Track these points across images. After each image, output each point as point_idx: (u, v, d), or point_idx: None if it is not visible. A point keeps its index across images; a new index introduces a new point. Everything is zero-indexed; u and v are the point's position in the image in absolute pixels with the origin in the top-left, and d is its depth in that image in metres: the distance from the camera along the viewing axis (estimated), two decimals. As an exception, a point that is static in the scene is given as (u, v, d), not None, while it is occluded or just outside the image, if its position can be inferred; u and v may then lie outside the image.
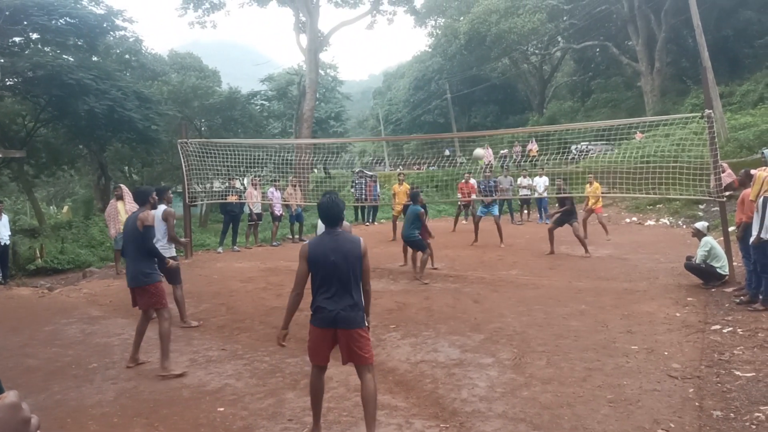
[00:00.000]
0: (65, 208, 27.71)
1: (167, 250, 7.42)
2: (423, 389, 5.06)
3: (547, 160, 20.31)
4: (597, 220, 14.38)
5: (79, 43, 17.30)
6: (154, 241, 7.52)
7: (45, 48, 17.04)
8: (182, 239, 8.37)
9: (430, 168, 27.83)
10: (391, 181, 26.49)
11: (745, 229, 7.52)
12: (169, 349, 5.69)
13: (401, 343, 6.38)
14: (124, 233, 6.24)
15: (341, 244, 4.02)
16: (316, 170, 30.70)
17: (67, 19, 16.04)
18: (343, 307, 3.96)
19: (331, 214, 4.10)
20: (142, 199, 6.08)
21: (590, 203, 14.14)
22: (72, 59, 17.43)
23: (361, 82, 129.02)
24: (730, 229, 9.28)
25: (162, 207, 7.53)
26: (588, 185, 14.18)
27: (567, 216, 12.37)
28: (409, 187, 15.87)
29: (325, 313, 3.98)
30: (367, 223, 19.44)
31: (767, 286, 7.08)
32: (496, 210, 14.40)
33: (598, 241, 13.63)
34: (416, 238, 10.03)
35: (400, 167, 27.10)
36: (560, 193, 12.75)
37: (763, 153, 8.70)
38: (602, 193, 14.02)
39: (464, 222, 18.69)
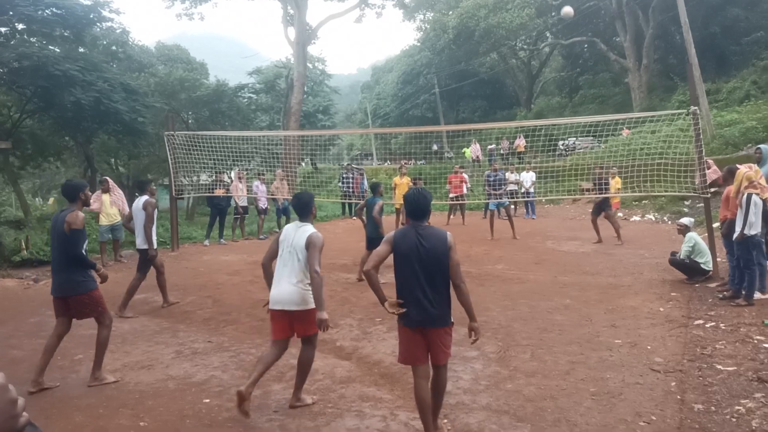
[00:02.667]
0: (51, 199, 27.49)
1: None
2: (408, 381, 5.06)
3: (535, 155, 20.43)
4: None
5: (66, 34, 17.08)
6: (139, 233, 7.71)
7: (31, 39, 16.80)
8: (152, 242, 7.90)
9: (419, 163, 27.88)
10: (379, 175, 26.53)
11: (730, 225, 7.61)
12: (103, 358, 5.29)
13: (387, 336, 6.41)
14: (51, 236, 5.38)
15: (426, 238, 3.87)
16: (303, 164, 30.68)
17: (54, 9, 15.82)
18: (431, 305, 3.82)
19: (414, 207, 3.99)
20: (71, 195, 5.23)
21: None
22: (58, 50, 17.22)
23: (350, 75, 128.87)
24: (715, 225, 9.38)
25: (144, 197, 7.68)
26: (611, 178, 13.96)
27: (603, 204, 12.74)
28: (410, 180, 15.70)
29: (413, 313, 3.84)
30: (354, 217, 19.44)
31: (750, 282, 7.17)
32: (506, 201, 14.50)
33: (584, 237, 13.72)
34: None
35: (389, 162, 27.07)
36: (598, 183, 12.68)
37: (759, 149, 8.76)
38: (588, 190, 14.08)
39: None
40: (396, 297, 3.93)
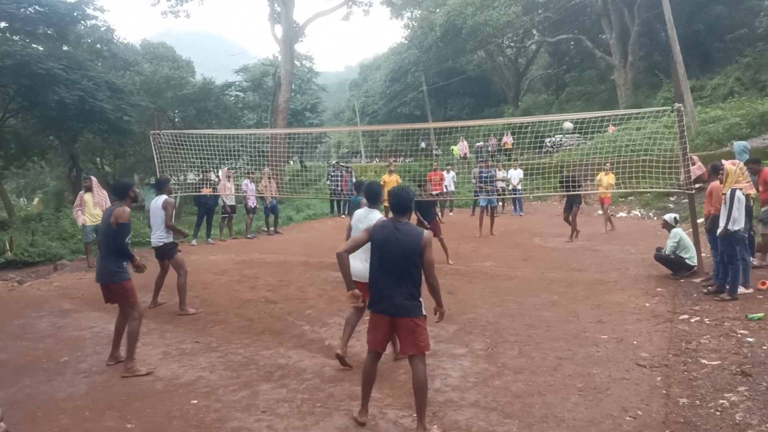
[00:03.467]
0: (36, 200, 27.21)
1: (166, 237, 7.76)
2: (396, 380, 5.10)
3: (522, 152, 20.50)
4: (602, 210, 14.39)
5: (49, 32, 16.94)
6: (155, 230, 7.81)
7: (14, 37, 16.63)
8: (182, 230, 8.39)
9: (407, 160, 27.86)
10: (367, 173, 26.52)
11: (714, 221, 7.69)
12: (135, 349, 5.52)
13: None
14: (99, 229, 5.88)
15: (402, 234, 4.06)
16: (291, 162, 30.60)
17: (37, 7, 15.68)
18: (401, 296, 4.02)
19: (397, 201, 4.21)
20: (121, 193, 5.76)
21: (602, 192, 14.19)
22: (42, 48, 17.05)
23: (338, 73, 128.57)
24: (699, 220, 9.47)
25: (163, 197, 7.78)
26: (603, 174, 14.08)
27: (573, 201, 12.92)
28: (398, 177, 15.77)
29: (383, 301, 4.07)
30: (343, 215, 19.43)
31: (734, 277, 7.25)
32: (495, 201, 14.56)
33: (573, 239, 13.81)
34: None
35: (377, 159, 27.04)
36: (572, 182, 12.78)
37: (745, 147, 8.88)
38: (575, 186, 14.14)
39: (450, 214, 18.84)
40: (370, 287, 4.20)
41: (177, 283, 7.75)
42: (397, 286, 4.03)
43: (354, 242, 4.28)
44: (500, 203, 20.03)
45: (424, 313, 4.13)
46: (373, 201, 5.59)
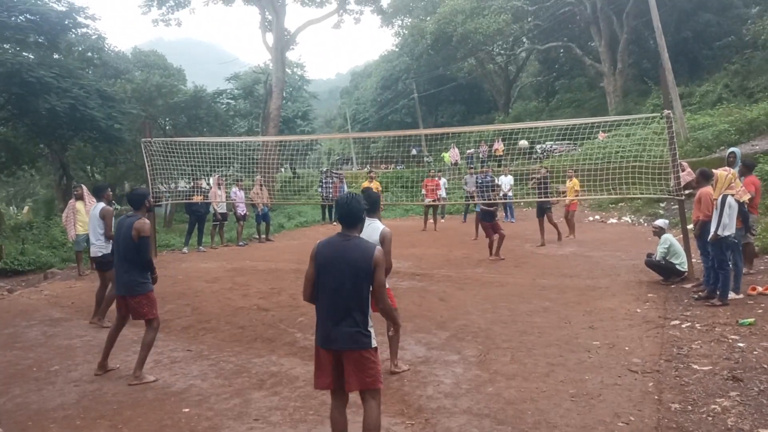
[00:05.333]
0: (26, 208, 26.99)
1: (105, 248, 7.55)
2: (389, 387, 5.09)
3: (513, 159, 20.60)
4: (565, 216, 14.52)
5: (40, 40, 16.87)
6: (94, 239, 7.68)
7: (4, 45, 16.55)
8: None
9: (398, 167, 27.94)
10: (358, 181, 26.51)
11: (703, 226, 7.74)
12: (146, 359, 5.52)
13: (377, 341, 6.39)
14: (115, 239, 5.75)
15: (350, 250, 3.54)
16: (283, 170, 30.58)
17: (27, 15, 15.63)
18: (345, 325, 3.50)
19: (345, 212, 3.64)
20: (137, 204, 5.68)
21: (568, 199, 14.29)
22: (32, 57, 16.99)
23: (329, 81, 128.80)
24: (689, 226, 9.54)
25: (101, 204, 7.57)
26: (568, 180, 14.26)
27: (543, 206, 13.14)
28: (379, 184, 15.87)
29: (325, 331, 3.56)
30: (334, 223, 19.41)
31: (724, 282, 7.30)
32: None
33: (562, 239, 13.88)
34: None
35: (368, 166, 27.07)
36: (542, 183, 12.89)
37: (733, 152, 8.98)
38: (562, 192, 14.22)
39: (442, 220, 18.85)
40: (315, 314, 3.67)
41: (107, 294, 7.41)
42: (341, 313, 3.49)
43: (306, 280, 3.68)
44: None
45: (374, 344, 3.59)
46: (373, 209, 5.15)
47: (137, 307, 5.53)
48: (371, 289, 3.56)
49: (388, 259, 4.98)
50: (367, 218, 5.15)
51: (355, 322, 3.50)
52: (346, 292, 3.50)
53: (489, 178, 14.92)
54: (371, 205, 5.09)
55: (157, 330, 5.66)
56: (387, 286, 3.97)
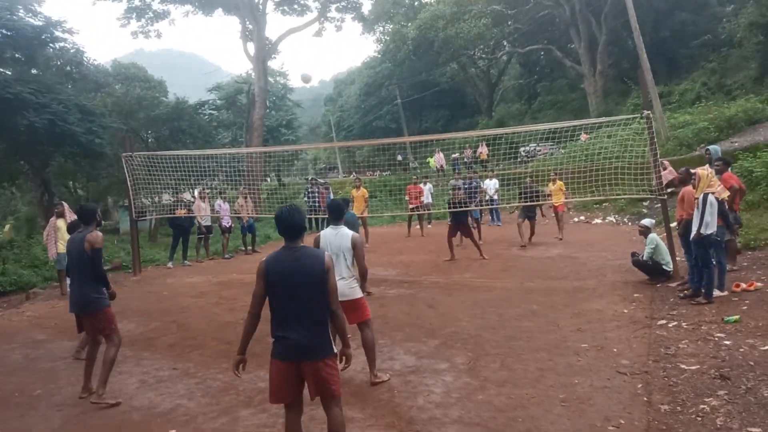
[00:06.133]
0: (7, 226, 26.56)
1: None
2: (379, 399, 5.05)
3: (497, 162, 20.66)
4: (555, 217, 14.67)
5: (17, 55, 16.72)
6: None
7: (-20, 62, 16.40)
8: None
9: (384, 174, 27.95)
10: (345, 188, 26.47)
11: (686, 225, 7.79)
12: (109, 377, 5.37)
13: (356, 353, 6.28)
14: (68, 255, 5.76)
15: (302, 261, 3.58)
16: (269, 179, 30.45)
17: (3, 31, 15.47)
18: (307, 335, 3.51)
19: (289, 225, 3.64)
20: (88, 218, 5.63)
21: (553, 200, 14.41)
22: (9, 73, 16.80)
23: (312, 89, 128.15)
24: (672, 225, 9.60)
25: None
26: (551, 183, 14.49)
27: (530, 210, 13.46)
28: (366, 192, 15.87)
29: (287, 343, 3.53)
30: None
31: (708, 280, 7.34)
32: (477, 213, 14.66)
33: (549, 241, 13.94)
34: None
35: (354, 173, 27.03)
36: (528, 191, 13.02)
37: (708, 150, 9.07)
38: (548, 195, 14.33)
39: (429, 226, 18.87)
40: (271, 330, 3.61)
41: None
42: (297, 324, 3.51)
43: (255, 299, 3.67)
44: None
45: (334, 350, 3.65)
46: (338, 217, 5.41)
47: (94, 324, 5.48)
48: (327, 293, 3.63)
49: (363, 264, 5.45)
50: (333, 226, 5.40)
51: (317, 332, 3.55)
52: (306, 302, 3.54)
53: (474, 184, 14.96)
54: (336, 213, 5.44)
55: (119, 345, 5.53)
56: (366, 293, 4.15)
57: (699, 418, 4.26)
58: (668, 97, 28.06)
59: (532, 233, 14.05)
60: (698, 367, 5.26)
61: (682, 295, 7.83)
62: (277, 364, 3.58)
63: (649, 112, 9.55)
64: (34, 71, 18.78)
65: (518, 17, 39.31)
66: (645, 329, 6.55)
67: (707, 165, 8.30)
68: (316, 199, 18.89)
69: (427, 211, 18.06)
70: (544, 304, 8.07)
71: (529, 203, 13.05)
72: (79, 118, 16.31)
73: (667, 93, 28.32)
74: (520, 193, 13.38)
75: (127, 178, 13.18)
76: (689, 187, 7.84)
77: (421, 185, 17.63)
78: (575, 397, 4.81)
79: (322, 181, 21.71)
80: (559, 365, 5.57)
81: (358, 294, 5.40)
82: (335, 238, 5.29)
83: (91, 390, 5.46)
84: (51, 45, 18.55)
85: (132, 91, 27.44)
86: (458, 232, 12.55)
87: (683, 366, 5.33)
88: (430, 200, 18.27)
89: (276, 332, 3.58)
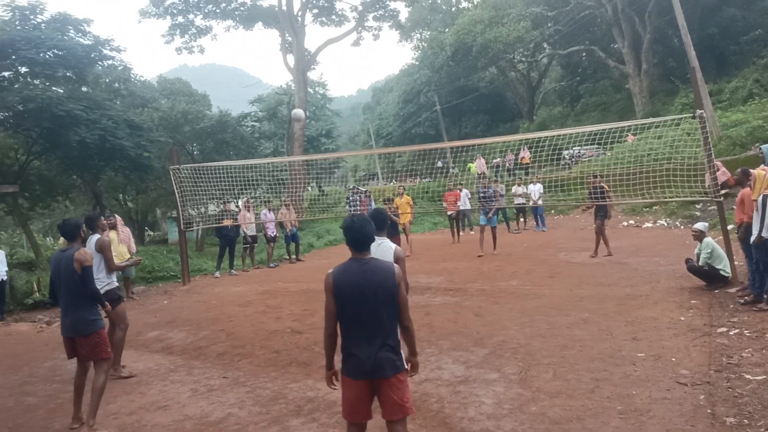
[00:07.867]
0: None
1: (108, 284, 6.47)
2: (429, 409, 4.97)
3: (540, 167, 20.34)
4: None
5: (68, 74, 17.27)
6: (95, 274, 6.09)
7: (34, 81, 16.98)
8: (131, 259, 8.03)
9: (424, 180, 27.83)
10: (385, 196, 26.49)
11: (746, 229, 7.48)
12: (98, 407, 5.10)
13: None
14: (55, 275, 5.33)
15: (372, 274, 3.44)
16: (310, 188, 30.73)
17: (55, 51, 15.99)
18: (379, 351, 3.39)
19: (360, 237, 3.50)
20: (72, 235, 5.30)
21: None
22: (62, 91, 17.39)
23: (350, 97, 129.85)
24: (729, 227, 9.24)
25: (95, 236, 6.49)
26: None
27: (602, 210, 12.44)
28: (409, 198, 15.92)
29: (358, 361, 3.41)
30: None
31: (771, 285, 7.03)
32: (495, 221, 14.34)
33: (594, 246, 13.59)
34: None
35: (394, 181, 27.02)
36: (597, 191, 12.43)
37: (761, 149, 8.71)
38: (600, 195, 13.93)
39: (471, 233, 18.75)
40: (341, 346, 3.52)
41: (114, 336, 6.50)
42: (368, 340, 3.39)
43: (328, 314, 3.51)
44: (522, 219, 19.88)
45: (405, 366, 3.54)
46: (380, 227, 4.89)
47: (93, 347, 5.16)
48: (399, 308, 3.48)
49: (404, 278, 4.93)
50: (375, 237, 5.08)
51: (390, 347, 3.42)
52: (377, 318, 3.39)
53: (491, 191, 14.68)
54: (379, 223, 4.92)
55: (107, 373, 5.28)
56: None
57: (768, 432, 4.05)
58: (718, 96, 27.20)
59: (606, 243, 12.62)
60: (765, 377, 5.01)
61: (742, 301, 7.51)
62: (348, 383, 3.48)
63: (702, 111, 9.22)
64: (84, 89, 19.41)
65: (558, 19, 38.77)
66: (704, 337, 6.28)
67: (762, 164, 7.98)
68: (358, 207, 18.99)
69: (464, 217, 17.93)
70: (595, 311, 7.84)
71: (600, 202, 12.34)
72: (127, 132, 16.78)
73: (717, 91, 27.46)
74: (589, 193, 12.67)
75: (175, 190, 13.48)
76: (748, 189, 7.53)
77: (458, 191, 17.52)
78: (633, 408, 4.63)
79: (363, 189, 21.78)
80: (614, 375, 5.38)
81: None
82: (377, 250, 5.11)
83: (82, 420, 5.15)
84: (100, 63, 19.11)
85: (177, 105, 28.06)
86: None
87: (748, 376, 5.08)
88: (468, 206, 18.12)
89: (345, 348, 3.48)
